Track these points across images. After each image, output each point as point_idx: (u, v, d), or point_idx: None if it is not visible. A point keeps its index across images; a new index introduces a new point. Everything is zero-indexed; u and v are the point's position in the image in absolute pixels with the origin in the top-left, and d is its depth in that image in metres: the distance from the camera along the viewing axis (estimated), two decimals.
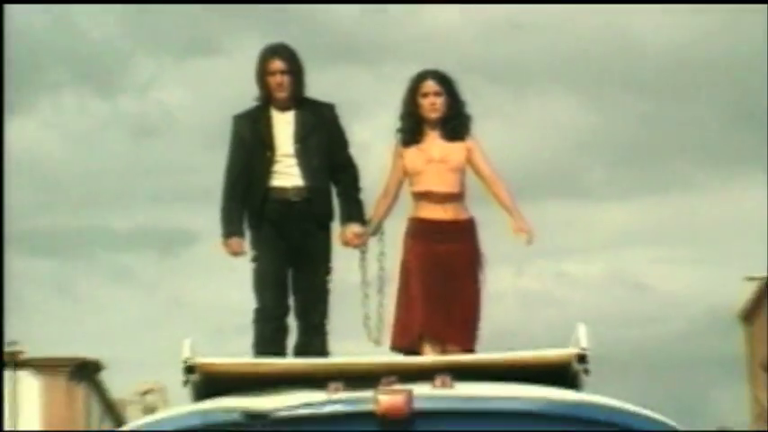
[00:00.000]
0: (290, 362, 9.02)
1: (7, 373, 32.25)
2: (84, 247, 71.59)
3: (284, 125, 10.10)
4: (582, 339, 8.01)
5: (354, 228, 10.03)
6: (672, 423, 7.44)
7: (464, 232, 9.83)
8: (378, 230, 10.10)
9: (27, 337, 34.55)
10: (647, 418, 7.32)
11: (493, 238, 10.00)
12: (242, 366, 8.35)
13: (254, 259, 9.98)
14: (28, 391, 32.54)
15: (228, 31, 73.84)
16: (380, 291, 9.99)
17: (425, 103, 9.85)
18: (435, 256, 9.64)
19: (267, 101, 10.16)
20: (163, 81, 76.83)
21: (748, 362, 31.32)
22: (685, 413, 7.24)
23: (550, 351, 8.13)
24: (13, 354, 32.61)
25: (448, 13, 72.48)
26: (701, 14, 72.18)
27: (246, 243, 10.02)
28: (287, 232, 9.96)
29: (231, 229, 10.03)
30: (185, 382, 8.07)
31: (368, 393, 7.12)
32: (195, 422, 7.27)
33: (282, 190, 9.98)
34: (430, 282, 9.54)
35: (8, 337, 33.25)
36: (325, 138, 10.13)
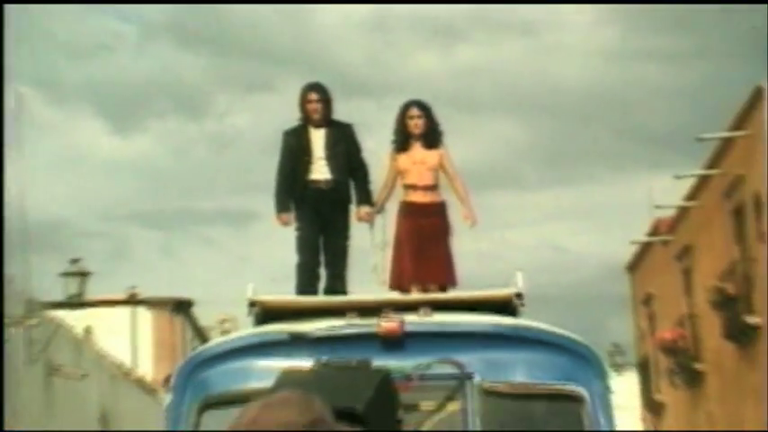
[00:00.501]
0: (320, 299, 9.17)
1: (129, 308, 32.24)
2: (181, 223, 71.84)
3: (318, 138, 10.12)
4: (519, 283, 8.11)
5: (365, 208, 10.14)
6: (581, 339, 7.43)
7: (438, 211, 9.95)
8: (381, 210, 10.21)
9: (142, 283, 34.55)
10: (565, 335, 7.35)
11: (460, 216, 10.16)
12: (287, 302, 8.51)
13: (297, 229, 10.04)
14: (143, 320, 32.52)
15: (279, 75, 73.90)
16: (383, 250, 10.03)
17: (411, 123, 9.96)
18: (419, 228, 9.77)
19: (306, 121, 10.20)
20: (234, 110, 77.06)
21: (632, 299, 31.14)
22: (588, 334, 7.31)
23: (498, 291, 8.20)
24: (133, 294, 32.62)
25: (429, 60, 73.06)
26: (606, 63, 72.67)
27: (292, 218, 10.08)
28: (320, 210, 10.03)
29: (282, 208, 10.09)
30: (249, 314, 8.17)
31: (373, 320, 7.17)
32: (255, 340, 7.32)
33: (317, 182, 10.03)
34: (415, 245, 9.64)
35: (130, 282, 33.32)
36: (345, 147, 10.19)
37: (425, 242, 9.74)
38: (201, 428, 6.84)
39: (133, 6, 66.00)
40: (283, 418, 2.54)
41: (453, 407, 6.80)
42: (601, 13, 70.80)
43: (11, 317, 20.29)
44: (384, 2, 67.91)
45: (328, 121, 10.28)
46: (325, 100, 10.30)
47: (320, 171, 10.11)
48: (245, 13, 71.11)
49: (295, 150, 10.19)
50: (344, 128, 10.39)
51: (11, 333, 20.37)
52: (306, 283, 9.81)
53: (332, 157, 10.11)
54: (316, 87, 10.37)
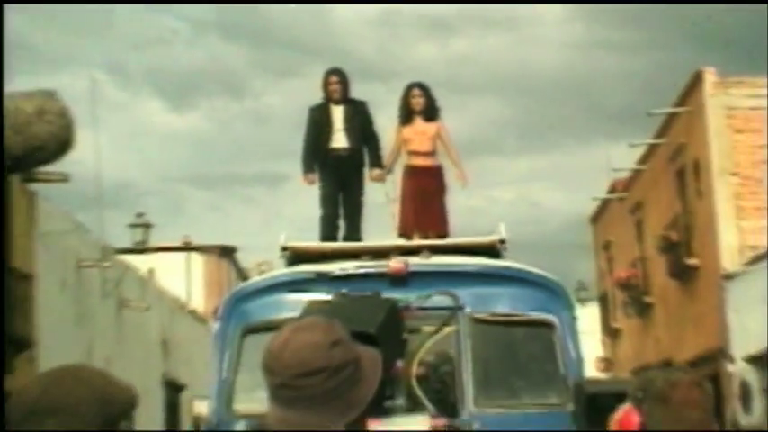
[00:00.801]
0: (340, 245, 9.12)
1: (184, 254, 32.31)
2: (225, 184, 71.45)
3: (338, 113, 10.09)
4: (501, 232, 8.15)
5: (377, 171, 10.12)
6: (553, 277, 7.49)
7: (436, 173, 9.91)
8: (389, 172, 10.17)
9: (195, 233, 34.80)
10: (540, 274, 7.41)
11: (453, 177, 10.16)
12: (313, 248, 8.48)
13: (320, 188, 10.03)
14: (195, 263, 32.57)
15: (306, 63, 73.68)
16: (392, 206, 9.98)
17: (413, 101, 9.93)
18: (420, 186, 9.72)
19: (328, 99, 10.17)
20: (269, 92, 76.69)
21: (594, 245, 31.11)
22: (558, 274, 7.28)
23: (485, 238, 8.24)
24: (187, 242, 32.77)
25: (427, 50, 72.97)
26: (573, 53, 72.33)
27: (316, 178, 10.07)
28: (339, 173, 10.04)
29: (307, 170, 10.08)
30: (282, 257, 8.24)
31: (383, 262, 7.23)
32: (286, 278, 7.35)
33: (337, 149, 10.00)
34: (417, 201, 9.60)
35: (185, 232, 33.48)
36: (360, 120, 10.16)
37: (425, 198, 9.70)
38: (243, 350, 6.89)
39: (186, 6, 65.98)
40: (310, 339, 2.56)
41: (448, 331, 6.81)
42: (570, 11, 70.52)
43: (89, 260, 20.47)
44: (391, 2, 67.94)
45: (346, 99, 10.24)
46: (344, 81, 10.28)
47: (339, 140, 10.06)
48: (278, 11, 71.24)
49: (318, 123, 10.16)
50: (359, 104, 10.36)
51: (88, 273, 20.55)
52: (328, 232, 9.81)
53: (349, 128, 10.08)
54: (335, 71, 10.36)
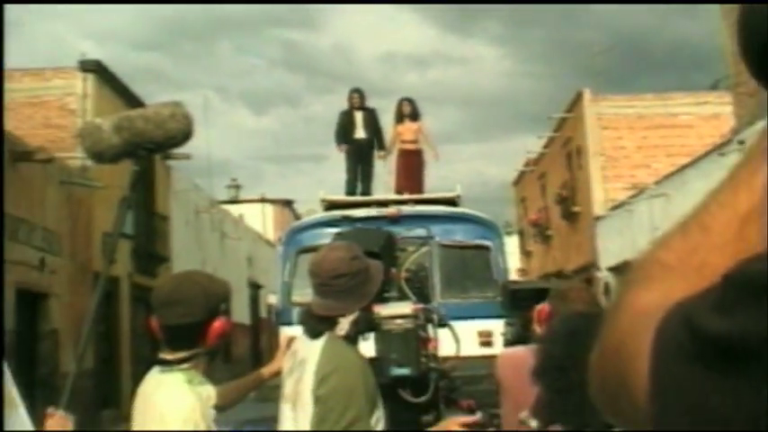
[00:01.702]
0: (357, 198, 8.98)
1: (261, 204, 31.94)
2: (287, 162, 71.45)
3: (358, 116, 9.96)
4: (458, 190, 8.01)
5: (382, 152, 9.96)
6: (490, 218, 7.39)
7: (418, 155, 9.73)
8: (389, 153, 9.96)
9: (268, 191, 35.36)
10: (482, 216, 7.27)
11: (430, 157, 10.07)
12: (340, 199, 8.38)
13: (347, 162, 9.87)
14: (267, 211, 31.92)
15: (338, 85, 73.49)
16: (390, 174, 9.87)
17: (403, 108, 9.81)
18: (407, 163, 9.59)
19: (351, 107, 10.04)
20: (315, 103, 76.38)
21: (515, 199, 30.94)
22: (493, 216, 7.13)
23: (448, 194, 8.08)
24: (263, 197, 32.40)
25: (413, 78, 72.44)
26: (507, 78, 71.25)
27: (344, 148, 9.89)
28: (359, 153, 9.87)
29: (338, 143, 9.96)
30: (321, 206, 8.04)
31: (384, 209, 7.12)
32: (323, 219, 7.20)
33: (358, 139, 9.89)
34: (405, 172, 9.50)
35: (261, 191, 33.58)
36: (372, 121, 10.02)
37: (410, 171, 9.57)
38: (297, 264, 6.85)
39: (262, 47, 65.16)
40: (338, 255, 2.60)
41: (424, 251, 6.77)
42: (503, 51, 69.89)
43: (203, 208, 20.50)
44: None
45: (363, 107, 10.10)
46: (361, 96, 10.17)
47: (359, 133, 9.95)
48: (321, 53, 70.45)
49: (345, 122, 10.03)
50: (371, 111, 10.22)
51: (203, 216, 20.58)
52: (350, 190, 9.68)
53: (365, 126, 9.96)
54: (356, 90, 10.25)
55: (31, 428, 2.18)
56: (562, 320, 2.00)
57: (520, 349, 2.75)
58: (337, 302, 2.49)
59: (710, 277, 0.47)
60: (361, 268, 2.55)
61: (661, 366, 0.45)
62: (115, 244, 2.77)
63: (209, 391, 2.19)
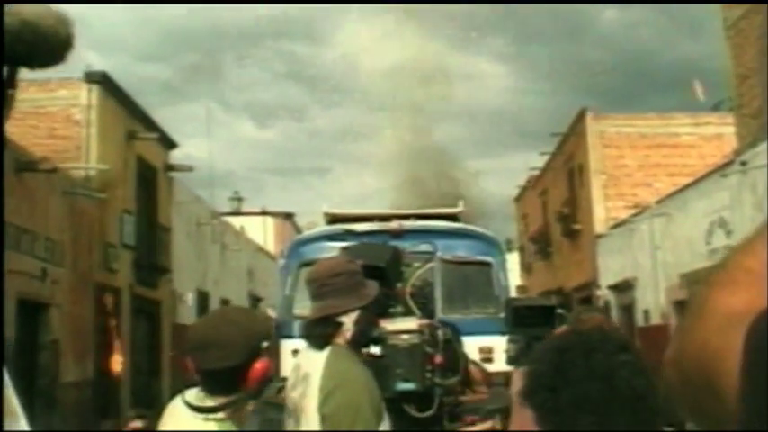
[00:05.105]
0: (359, 212, 8.81)
1: (262, 217, 32.11)
2: (291, 175, 71.56)
3: None
4: (461, 206, 7.96)
5: None
6: (492, 234, 7.36)
7: None
8: None
9: (270, 204, 35.21)
10: (484, 232, 7.27)
11: None
12: (342, 213, 8.10)
13: None
14: (268, 224, 32.37)
15: (342, 99, 73.44)
16: None
17: None
18: None
19: None
20: (319, 117, 76.53)
21: (517, 216, 31.00)
22: (496, 232, 7.04)
23: (451, 210, 8.01)
24: (265, 210, 32.56)
25: (419, 91, 72.48)
26: (510, 95, 71.41)
27: None
28: None
29: None
30: (323, 219, 7.93)
31: (387, 223, 7.07)
32: (326, 232, 7.15)
33: None
34: None
35: (263, 204, 33.63)
36: None
37: None
38: (299, 277, 6.79)
39: (269, 59, 65.50)
40: (334, 260, 2.76)
41: (428, 267, 6.72)
42: (505, 69, 70.07)
43: (204, 219, 20.48)
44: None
45: None
46: None
47: None
48: (325, 67, 70.75)
49: None
50: None
51: (204, 228, 20.55)
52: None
53: None
54: None
55: None
56: (552, 338, 1.98)
57: None
58: (336, 300, 2.51)
59: None
60: (357, 270, 2.60)
61: (753, 366, 0.46)
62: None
63: None
